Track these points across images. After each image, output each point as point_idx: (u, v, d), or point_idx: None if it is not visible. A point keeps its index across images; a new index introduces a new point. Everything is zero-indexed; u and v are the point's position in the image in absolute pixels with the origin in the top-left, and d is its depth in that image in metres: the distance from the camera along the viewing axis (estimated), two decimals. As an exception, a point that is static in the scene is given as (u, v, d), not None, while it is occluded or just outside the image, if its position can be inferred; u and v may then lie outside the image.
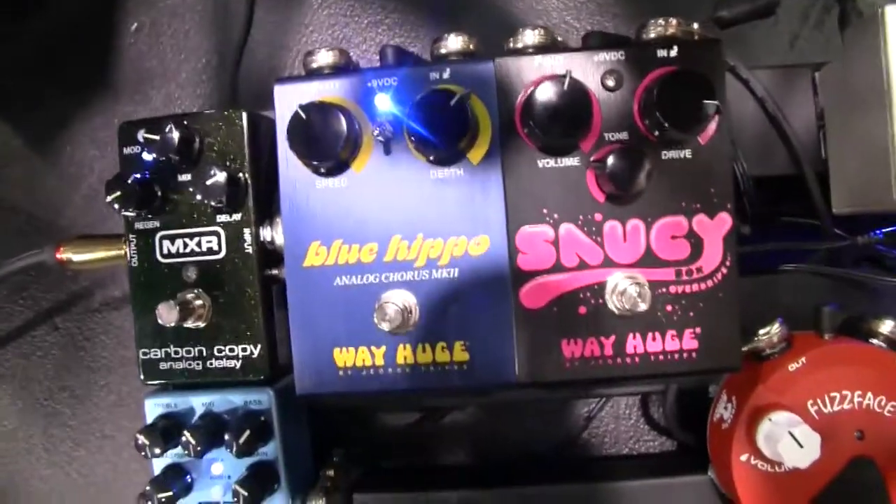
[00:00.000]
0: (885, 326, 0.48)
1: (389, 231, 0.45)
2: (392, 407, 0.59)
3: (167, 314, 0.46)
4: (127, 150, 0.50)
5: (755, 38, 0.64)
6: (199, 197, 0.47)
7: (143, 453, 0.47)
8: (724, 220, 0.44)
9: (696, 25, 0.47)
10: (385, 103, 0.44)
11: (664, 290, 0.44)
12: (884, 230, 0.49)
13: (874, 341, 0.48)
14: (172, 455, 0.50)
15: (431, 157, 0.44)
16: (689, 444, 0.58)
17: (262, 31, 0.68)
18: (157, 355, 0.50)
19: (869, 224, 0.51)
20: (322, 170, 0.45)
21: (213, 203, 0.47)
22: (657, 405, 0.62)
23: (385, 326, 0.42)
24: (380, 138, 0.44)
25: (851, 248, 0.51)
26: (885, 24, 0.44)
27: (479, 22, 0.65)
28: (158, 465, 0.50)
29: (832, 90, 0.51)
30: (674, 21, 0.46)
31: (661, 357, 0.44)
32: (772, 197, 0.56)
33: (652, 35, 0.45)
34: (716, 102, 0.41)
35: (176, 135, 0.47)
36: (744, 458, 0.47)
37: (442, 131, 0.42)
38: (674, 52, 0.44)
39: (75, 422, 0.68)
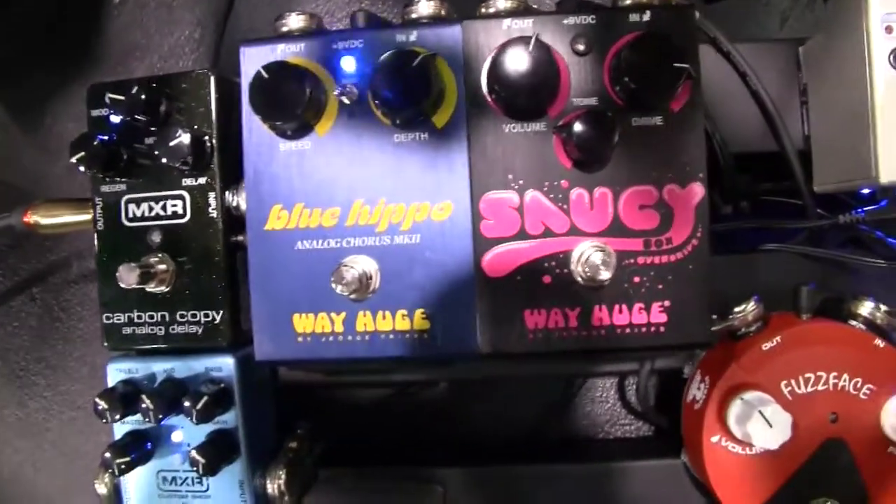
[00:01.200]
0: (864, 308, 0.46)
1: (352, 195, 0.44)
2: (357, 380, 0.58)
3: (127, 276, 0.45)
4: (95, 112, 0.49)
5: (746, 17, 0.63)
6: (164, 159, 0.46)
7: (102, 419, 0.47)
8: (696, 191, 0.42)
9: (676, -5, 0.46)
10: (349, 65, 0.44)
11: (632, 260, 0.42)
12: (865, 209, 0.47)
13: (853, 322, 0.46)
14: (133, 422, 0.49)
15: (395, 120, 0.43)
16: (665, 428, 0.57)
17: (248, 4, 0.67)
18: (120, 320, 0.49)
19: (851, 204, 0.49)
20: (285, 132, 0.44)
21: (176, 165, 0.46)
22: (637, 380, 0.60)
23: (341, 290, 0.41)
24: (343, 99, 0.43)
25: (834, 229, 0.49)
26: (866, -7, 0.42)
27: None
28: (119, 431, 0.49)
29: (815, 65, 0.50)
30: (651, -12, 0.44)
31: (627, 330, 0.43)
32: (754, 174, 0.54)
33: (627, 1, 0.44)
34: (686, 66, 0.40)
35: (142, 96, 0.46)
36: (715, 439, 0.46)
37: (404, 92, 0.41)
38: (646, 17, 0.42)
39: (49, 392, 0.67)
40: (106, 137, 0.48)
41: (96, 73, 0.68)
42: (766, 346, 0.45)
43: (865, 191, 0.49)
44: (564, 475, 0.53)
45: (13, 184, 0.68)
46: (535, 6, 0.47)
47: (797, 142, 0.51)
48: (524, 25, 0.43)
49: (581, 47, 0.43)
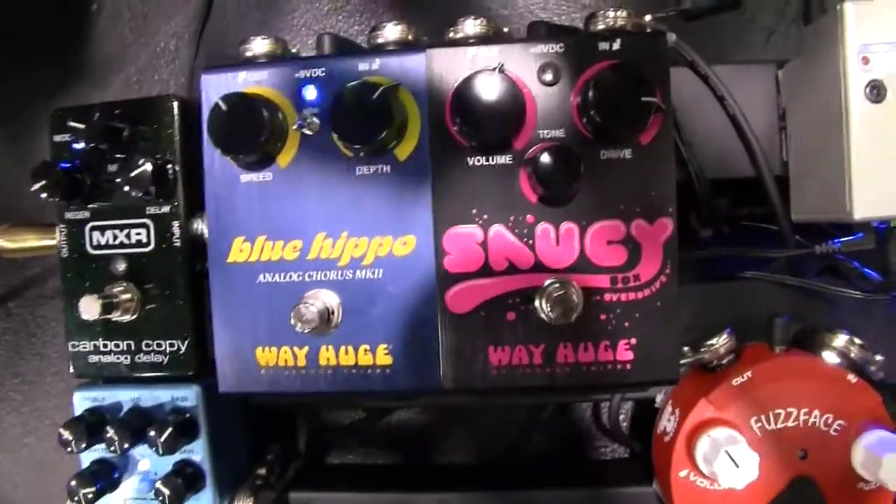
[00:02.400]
0: (839, 340, 0.45)
1: (314, 228, 0.43)
2: (326, 404, 0.58)
3: (88, 308, 0.44)
4: (57, 138, 0.48)
5: (728, 34, 0.61)
6: (126, 188, 0.45)
7: (67, 448, 0.47)
8: (665, 226, 0.41)
9: (648, 17, 0.44)
10: (311, 94, 0.43)
11: (598, 297, 0.42)
12: (841, 240, 0.46)
13: (826, 354, 0.45)
14: (100, 449, 0.49)
15: (357, 153, 0.42)
16: (639, 453, 0.56)
17: (224, 15, 0.66)
18: (86, 348, 0.49)
19: (830, 232, 0.48)
20: (246, 163, 0.43)
21: (139, 194, 0.45)
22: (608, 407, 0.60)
23: (301, 328, 0.40)
24: (305, 131, 0.42)
25: (812, 257, 0.48)
26: (843, 21, 0.41)
27: (447, 7, 0.63)
28: (86, 459, 0.49)
29: (793, 89, 0.48)
30: (624, 12, 0.43)
31: (593, 368, 0.42)
32: (733, 198, 0.53)
33: (600, 26, 0.43)
34: (655, 100, 0.39)
35: (105, 123, 0.45)
36: (683, 473, 0.45)
37: (364, 125, 0.40)
38: (616, 46, 0.41)
39: (26, 408, 0.67)
40: (68, 165, 0.47)
41: (74, 84, 0.67)
42: (737, 381, 0.44)
43: (843, 220, 0.48)
44: (538, 502, 0.53)
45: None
46: (505, 30, 0.46)
47: (776, 167, 0.50)
48: (490, 54, 0.42)
49: (548, 77, 0.41)
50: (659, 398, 0.51)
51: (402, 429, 0.61)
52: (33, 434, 0.67)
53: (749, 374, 0.44)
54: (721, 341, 0.46)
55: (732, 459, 0.41)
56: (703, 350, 0.46)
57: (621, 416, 0.59)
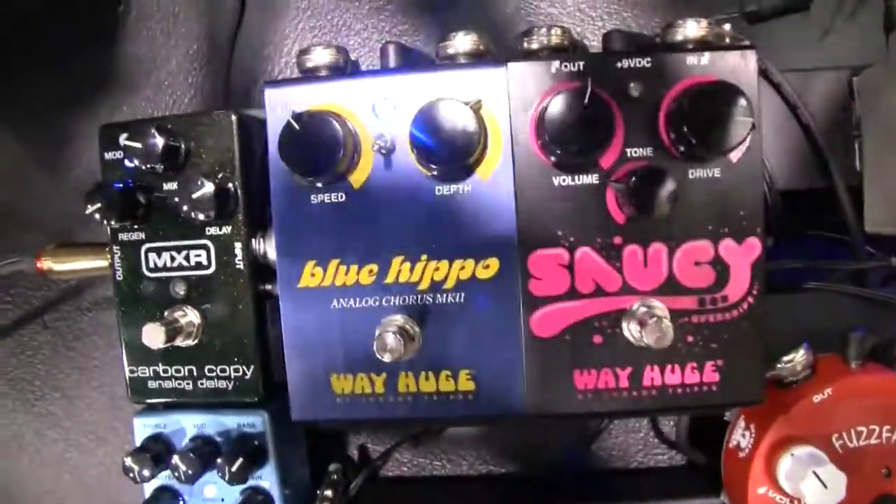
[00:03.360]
0: (918, 355, 0.45)
1: (391, 251, 0.41)
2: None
3: (153, 337, 0.43)
4: (108, 156, 0.46)
5: (781, 30, 0.59)
6: (186, 208, 0.43)
7: (130, 476, 0.45)
8: (753, 246, 0.40)
9: (727, 27, 0.43)
10: (386, 111, 0.41)
11: (686, 319, 0.41)
12: (920, 252, 0.45)
13: (905, 370, 0.45)
14: (164, 476, 0.47)
15: (436, 172, 0.40)
16: (700, 463, 0.56)
17: (255, 14, 0.63)
18: (145, 373, 0.47)
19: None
20: (317, 183, 0.41)
21: (201, 216, 0.43)
22: (668, 418, 0.59)
23: (386, 358, 0.39)
24: (381, 151, 0.40)
25: (876, 270, 0.48)
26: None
27: (485, 5, 0.61)
28: (150, 487, 0.48)
29: (872, 98, 0.47)
30: (703, 22, 0.42)
31: (679, 390, 0.41)
32: (800, 208, 0.52)
33: (679, 37, 0.42)
34: (751, 120, 0.37)
35: (160, 141, 0.43)
36: (762, 490, 0.45)
37: (447, 146, 0.38)
38: (705, 61, 0.40)
39: (69, 423, 0.65)
40: (121, 185, 0.45)
41: (102, 90, 0.64)
42: (817, 398, 0.44)
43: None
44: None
45: (12, 204, 0.65)
46: (578, 38, 0.44)
47: (848, 177, 0.49)
48: (574, 68, 0.40)
49: (636, 93, 0.40)
50: (728, 413, 0.50)
51: (456, 439, 0.60)
52: (76, 449, 0.65)
53: (829, 391, 0.44)
54: (799, 357, 0.45)
55: (820, 480, 0.41)
56: (779, 366, 0.46)
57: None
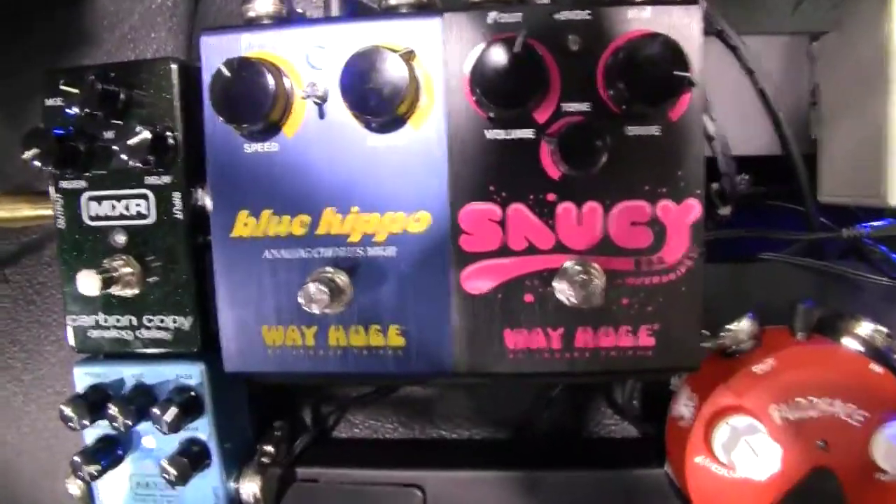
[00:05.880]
0: (863, 328, 0.44)
1: (322, 202, 0.41)
2: (334, 383, 0.57)
3: (87, 283, 0.43)
4: (50, 102, 0.46)
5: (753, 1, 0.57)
6: (123, 157, 0.43)
7: (68, 424, 0.45)
8: (692, 207, 0.39)
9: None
10: (320, 60, 0.40)
11: (621, 281, 0.40)
12: (871, 224, 0.44)
13: (849, 342, 0.44)
14: (104, 426, 0.47)
15: (369, 123, 0.40)
16: (650, 434, 0.55)
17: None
18: (86, 322, 0.47)
19: (857, 215, 0.46)
20: (250, 133, 0.41)
21: (137, 164, 0.43)
22: (621, 387, 0.59)
23: (313, 308, 0.39)
24: (314, 100, 0.40)
25: (835, 241, 0.47)
26: (892, -11, 0.38)
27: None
28: (90, 435, 0.48)
29: (828, 65, 0.45)
30: (653, -24, 0.40)
31: (613, 353, 0.40)
32: (756, 177, 0.51)
33: (628, -8, 0.40)
34: (688, 75, 0.36)
35: (98, 87, 0.43)
36: (699, 459, 0.44)
37: (377, 93, 0.37)
38: (647, 14, 0.38)
39: (28, 376, 0.66)
40: (62, 131, 0.44)
41: (65, 43, 0.63)
42: (758, 368, 0.43)
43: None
44: (547, 483, 0.52)
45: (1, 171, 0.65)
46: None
47: (803, 145, 0.47)
48: (511, 19, 0.39)
49: (574, 46, 0.39)
50: (674, 380, 0.50)
51: (408, 402, 0.60)
52: (35, 402, 0.66)
53: (771, 361, 0.43)
54: (742, 326, 0.45)
55: (752, 449, 0.40)
56: (723, 335, 0.45)
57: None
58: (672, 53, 0.36)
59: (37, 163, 0.44)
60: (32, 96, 0.63)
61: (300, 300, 0.39)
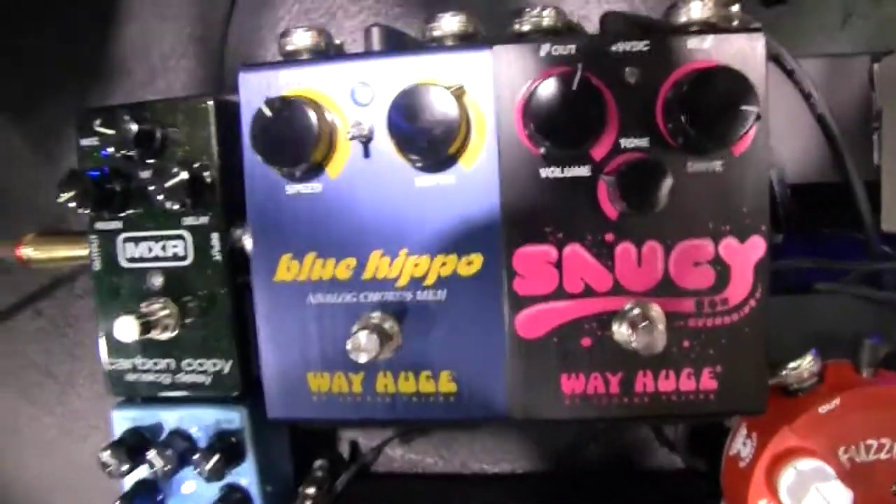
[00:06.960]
0: (936, 365, 0.41)
1: (369, 245, 0.39)
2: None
3: (126, 330, 0.41)
4: (85, 142, 0.45)
5: (800, 14, 0.55)
6: (159, 197, 0.42)
7: (107, 471, 0.44)
8: (757, 245, 0.38)
9: (735, 8, 0.40)
10: (365, 96, 0.39)
11: (682, 323, 0.38)
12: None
13: (921, 380, 0.42)
14: (144, 470, 0.46)
15: (417, 162, 0.38)
16: (700, 469, 0.53)
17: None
18: (123, 367, 0.46)
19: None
20: (293, 174, 0.39)
21: (175, 206, 0.42)
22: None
23: (361, 358, 0.37)
24: (360, 139, 0.38)
25: (890, 272, 0.44)
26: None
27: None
28: (129, 480, 0.47)
29: (892, 87, 0.43)
30: (710, 3, 0.38)
31: (673, 398, 0.39)
32: (812, 203, 0.49)
33: (682, 19, 0.38)
34: (755, 109, 0.34)
35: (133, 127, 0.42)
36: (762, 503, 0.42)
37: (427, 132, 0.36)
38: (707, 44, 0.37)
39: (61, 409, 0.65)
40: (97, 173, 0.43)
41: (93, 74, 0.62)
42: (824, 408, 0.41)
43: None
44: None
45: (6, 188, 0.64)
46: (575, 21, 0.41)
47: (865, 172, 0.45)
48: (565, 52, 0.37)
49: (631, 79, 0.37)
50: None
51: (448, 436, 0.58)
52: (69, 436, 0.65)
53: (837, 401, 0.41)
54: (806, 364, 0.42)
55: (823, 496, 0.38)
56: (784, 373, 0.43)
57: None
58: (740, 87, 0.34)
59: (73, 205, 0.43)
60: (61, 129, 0.63)
61: (348, 348, 0.37)
